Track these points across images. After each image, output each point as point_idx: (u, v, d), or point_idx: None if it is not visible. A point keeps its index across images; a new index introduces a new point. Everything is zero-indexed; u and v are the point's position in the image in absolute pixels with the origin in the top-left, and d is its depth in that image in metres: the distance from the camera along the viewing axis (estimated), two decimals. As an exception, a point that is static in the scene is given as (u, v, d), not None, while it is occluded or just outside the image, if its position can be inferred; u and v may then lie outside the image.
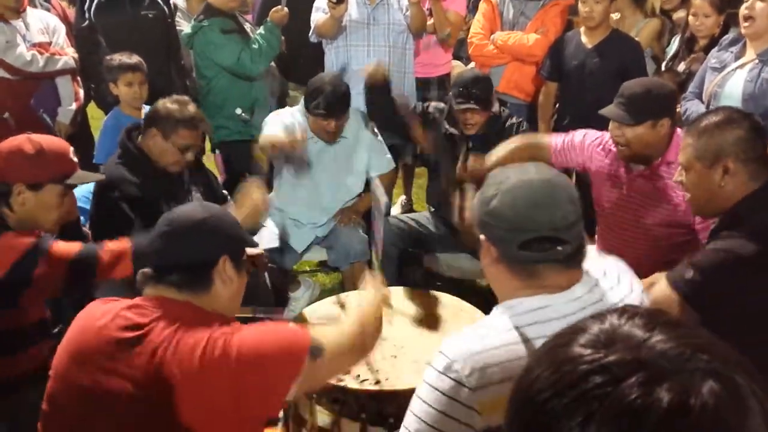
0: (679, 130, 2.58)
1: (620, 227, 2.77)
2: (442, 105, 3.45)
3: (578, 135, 2.90)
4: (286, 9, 3.83)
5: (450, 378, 1.26)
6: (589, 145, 2.85)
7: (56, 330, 2.34)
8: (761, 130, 2.07)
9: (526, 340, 1.28)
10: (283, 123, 3.12)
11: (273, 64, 4.18)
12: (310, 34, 3.86)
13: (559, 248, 1.33)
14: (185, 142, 2.82)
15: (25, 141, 2.21)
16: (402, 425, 1.31)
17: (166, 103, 2.85)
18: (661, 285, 2.02)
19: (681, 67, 3.73)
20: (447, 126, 3.32)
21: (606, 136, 2.80)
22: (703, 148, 2.03)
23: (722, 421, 0.59)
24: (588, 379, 0.62)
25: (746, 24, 3.07)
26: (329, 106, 3.17)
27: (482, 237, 1.41)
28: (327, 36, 3.75)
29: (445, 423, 1.25)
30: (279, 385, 1.49)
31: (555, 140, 2.91)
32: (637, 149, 2.61)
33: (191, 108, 2.86)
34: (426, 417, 1.27)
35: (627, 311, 0.70)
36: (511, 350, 1.27)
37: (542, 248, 1.33)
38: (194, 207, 1.69)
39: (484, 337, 1.30)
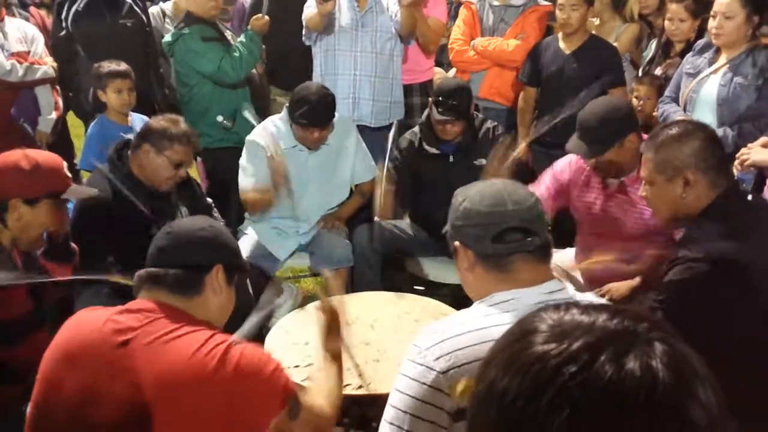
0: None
1: (600, 235, 2.78)
2: (416, 133, 3.44)
3: (546, 174, 2.95)
4: (266, 17, 3.83)
5: (419, 364, 1.33)
6: (556, 171, 2.90)
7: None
8: (716, 139, 2.10)
9: (491, 326, 1.34)
10: (254, 171, 3.25)
11: (255, 70, 4.18)
12: (303, 35, 3.85)
13: (529, 239, 1.42)
14: (179, 157, 2.82)
15: (21, 157, 2.24)
16: (382, 419, 1.36)
17: (160, 121, 2.89)
18: None
19: (657, 71, 3.77)
20: (426, 146, 3.35)
21: (573, 156, 2.84)
22: (662, 163, 2.05)
23: (680, 372, 0.65)
24: (562, 371, 0.63)
25: (715, 39, 3.10)
26: (313, 115, 3.18)
27: (456, 243, 1.48)
28: (315, 29, 3.75)
29: (418, 407, 1.31)
30: (267, 409, 1.52)
31: (538, 192, 2.93)
32: (609, 168, 2.66)
33: (183, 125, 2.89)
34: (401, 404, 1.33)
35: (557, 306, 0.72)
36: (477, 335, 1.34)
37: (514, 239, 1.42)
38: (199, 218, 1.82)
39: (451, 325, 1.39)
